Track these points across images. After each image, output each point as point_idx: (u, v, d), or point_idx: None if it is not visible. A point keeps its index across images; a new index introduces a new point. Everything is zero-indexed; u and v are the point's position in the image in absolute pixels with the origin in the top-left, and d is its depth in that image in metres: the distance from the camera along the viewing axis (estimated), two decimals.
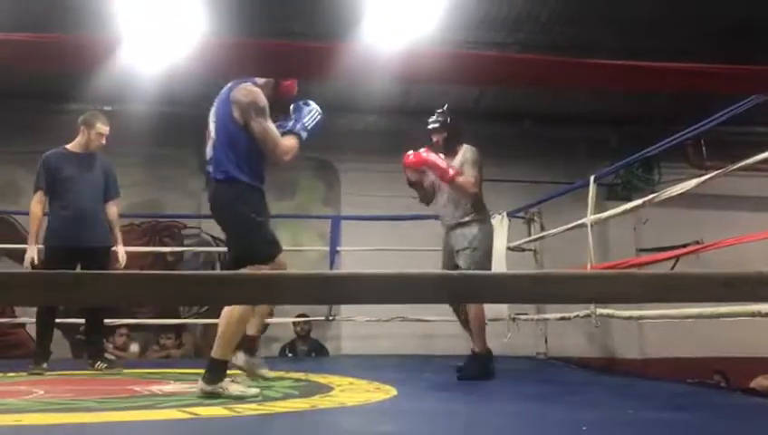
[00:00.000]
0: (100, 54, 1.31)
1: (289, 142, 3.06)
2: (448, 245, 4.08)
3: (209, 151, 3.09)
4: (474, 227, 3.99)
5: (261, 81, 3.10)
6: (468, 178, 3.96)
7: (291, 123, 3.12)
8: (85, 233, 4.28)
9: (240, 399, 2.78)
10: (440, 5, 5.64)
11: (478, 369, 3.85)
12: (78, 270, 4.18)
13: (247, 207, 3.01)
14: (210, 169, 3.07)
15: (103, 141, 4.41)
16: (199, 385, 2.88)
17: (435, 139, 4.07)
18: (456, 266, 3.97)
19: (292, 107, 3.20)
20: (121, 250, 4.50)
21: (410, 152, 4.04)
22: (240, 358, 3.32)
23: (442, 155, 4.00)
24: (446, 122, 4.07)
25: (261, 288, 1.22)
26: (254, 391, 2.93)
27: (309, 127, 3.14)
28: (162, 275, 1.22)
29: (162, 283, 1.16)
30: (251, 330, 3.34)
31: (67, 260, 4.17)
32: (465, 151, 4.07)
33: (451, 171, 3.92)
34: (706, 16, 5.80)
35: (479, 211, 4.07)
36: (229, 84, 3.11)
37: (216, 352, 2.92)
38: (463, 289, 1.21)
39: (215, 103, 3.14)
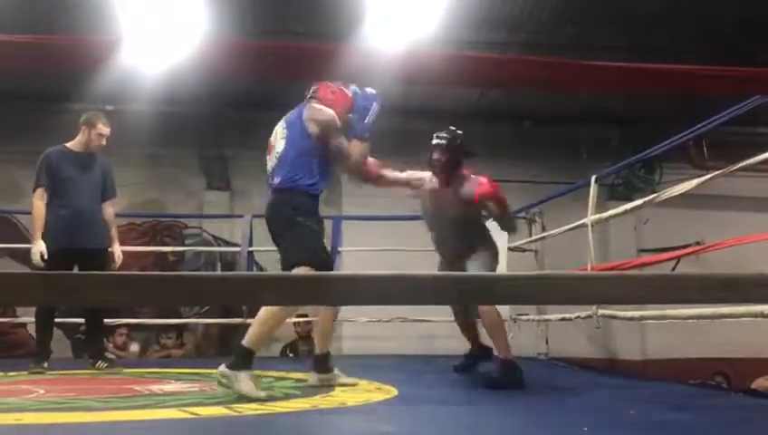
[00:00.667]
0: (102, 55, 1.31)
1: (357, 149, 3.25)
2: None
3: (271, 163, 3.31)
4: (487, 253, 3.79)
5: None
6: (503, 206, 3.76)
7: (354, 124, 3.28)
8: (84, 233, 4.28)
9: (244, 397, 2.78)
10: (441, 5, 5.64)
11: (507, 375, 3.52)
12: (76, 271, 4.19)
13: (303, 213, 3.18)
14: (273, 178, 3.27)
15: (104, 142, 4.41)
16: (221, 368, 2.90)
17: (436, 156, 3.78)
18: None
19: (352, 99, 3.30)
20: (117, 250, 4.49)
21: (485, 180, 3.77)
22: (313, 377, 3.42)
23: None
24: (453, 143, 3.79)
25: (264, 289, 1.22)
26: (263, 394, 2.90)
27: (370, 126, 3.29)
28: (161, 276, 1.22)
29: (161, 283, 1.16)
30: (319, 349, 3.45)
31: (66, 261, 4.17)
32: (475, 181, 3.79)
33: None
34: (708, 15, 5.80)
35: (490, 240, 3.91)
36: (295, 109, 3.35)
37: (246, 339, 2.98)
38: (463, 290, 1.21)
39: (280, 126, 3.35)
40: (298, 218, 3.15)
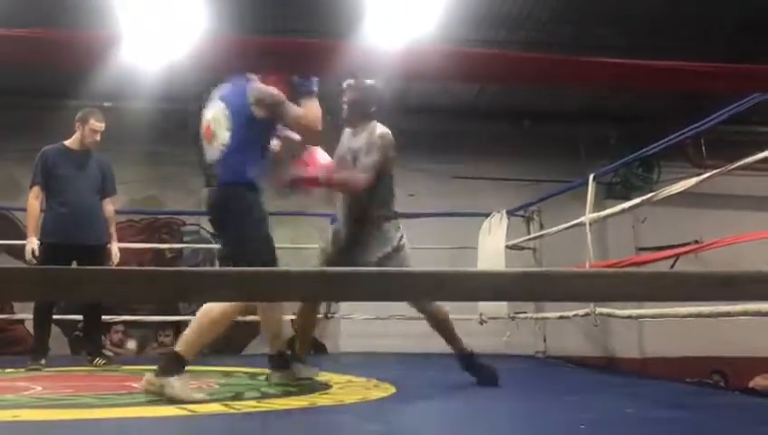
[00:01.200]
0: (100, 51, 1.31)
1: (312, 111, 3.00)
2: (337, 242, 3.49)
3: (213, 152, 3.08)
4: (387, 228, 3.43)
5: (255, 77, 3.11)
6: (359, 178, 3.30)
7: (299, 87, 3.03)
8: (82, 230, 4.29)
9: (181, 402, 2.58)
10: (441, 4, 5.63)
11: (482, 370, 3.48)
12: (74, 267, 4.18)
13: (254, 210, 3.01)
14: (216, 171, 3.04)
15: (97, 137, 4.41)
16: (146, 376, 2.71)
17: (345, 97, 3.44)
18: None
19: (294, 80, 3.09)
20: (115, 247, 4.50)
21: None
22: (273, 376, 3.31)
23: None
24: (362, 85, 3.42)
25: (260, 285, 1.22)
26: (200, 396, 2.73)
27: (314, 81, 3.04)
28: (159, 272, 1.22)
29: (159, 279, 1.16)
30: (271, 346, 3.36)
31: (63, 257, 4.18)
32: (376, 130, 3.38)
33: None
34: (708, 14, 5.80)
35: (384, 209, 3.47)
36: (229, 87, 3.11)
37: (180, 346, 2.77)
38: (461, 287, 1.21)
39: (217, 110, 3.10)
40: (254, 216, 2.98)
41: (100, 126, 4.41)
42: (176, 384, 2.63)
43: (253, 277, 1.25)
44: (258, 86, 3.04)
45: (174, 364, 2.71)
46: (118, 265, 4.51)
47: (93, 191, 4.42)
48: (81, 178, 4.36)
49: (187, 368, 2.75)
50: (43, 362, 4.17)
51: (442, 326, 3.51)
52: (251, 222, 2.97)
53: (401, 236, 3.44)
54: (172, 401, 2.57)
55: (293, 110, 3.01)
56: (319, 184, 3.38)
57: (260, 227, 3.00)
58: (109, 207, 4.51)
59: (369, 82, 3.45)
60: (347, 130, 3.54)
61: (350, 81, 3.44)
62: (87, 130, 4.38)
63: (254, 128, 3.00)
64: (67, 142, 4.43)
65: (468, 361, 3.51)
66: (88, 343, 4.51)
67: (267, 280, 1.23)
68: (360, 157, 3.34)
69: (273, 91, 3.02)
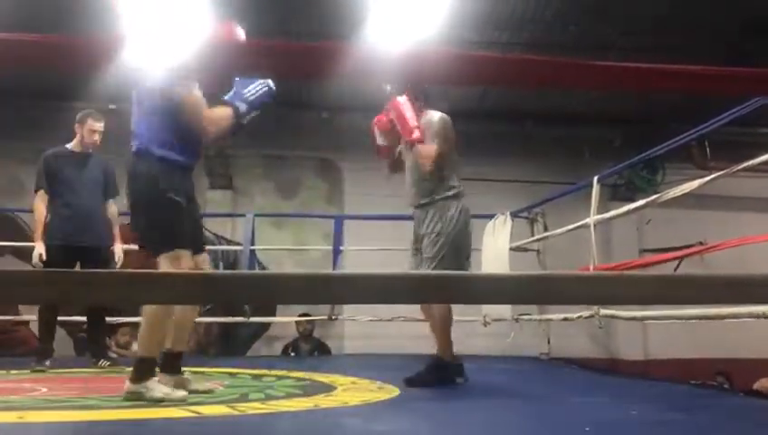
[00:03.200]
0: (105, 54, 1.31)
1: (218, 112, 2.86)
2: (416, 225, 3.57)
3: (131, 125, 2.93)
4: (444, 211, 3.43)
5: None
6: (430, 147, 3.40)
7: (231, 95, 2.92)
8: (85, 232, 4.31)
9: (163, 401, 2.63)
10: (444, 5, 5.64)
11: (433, 375, 3.40)
12: (78, 269, 4.20)
13: (164, 185, 2.79)
14: (131, 141, 2.90)
15: (96, 138, 4.41)
16: (125, 385, 2.73)
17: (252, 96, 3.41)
18: (420, 251, 3.49)
19: (236, 80, 2.96)
20: (119, 249, 4.51)
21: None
22: (164, 380, 2.92)
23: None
24: (404, 85, 3.46)
25: (262, 288, 1.22)
26: (181, 393, 2.74)
27: (250, 99, 2.89)
28: (165, 275, 1.22)
29: (164, 282, 1.16)
30: (173, 345, 3.02)
31: (67, 259, 4.20)
32: (433, 117, 3.50)
33: (416, 132, 3.37)
34: (710, 15, 5.79)
35: (443, 191, 3.46)
36: None
37: (140, 350, 2.80)
38: (464, 289, 1.21)
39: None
40: (167, 195, 2.78)
41: (99, 126, 4.41)
42: (155, 387, 2.69)
43: (256, 281, 1.25)
44: None
45: (142, 369, 2.73)
46: (121, 267, 4.52)
47: (96, 193, 4.43)
48: (82, 180, 4.38)
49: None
50: (47, 363, 4.18)
51: (440, 327, 3.52)
52: (168, 205, 2.78)
53: (451, 219, 3.41)
54: (156, 402, 2.62)
55: (194, 95, 2.85)
56: (412, 137, 3.36)
57: (176, 211, 2.80)
58: (112, 208, 4.52)
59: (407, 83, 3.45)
60: None
61: (390, 87, 3.50)
62: (85, 132, 4.40)
63: (154, 95, 2.87)
64: (69, 145, 4.46)
65: (442, 367, 3.46)
66: (92, 345, 4.52)
67: (267, 283, 1.23)
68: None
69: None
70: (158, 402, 2.63)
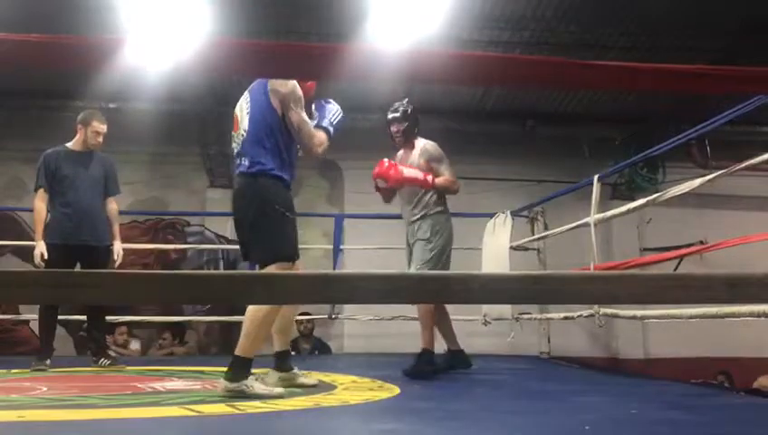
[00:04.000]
0: (105, 53, 1.31)
1: (321, 135, 3.10)
2: (409, 235, 4.12)
3: (235, 144, 3.10)
4: (430, 220, 4.01)
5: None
6: (448, 177, 4.05)
7: (317, 120, 3.15)
8: (85, 231, 4.32)
9: (264, 398, 2.75)
10: (445, 4, 5.63)
11: (425, 365, 3.83)
12: (78, 268, 4.20)
13: (280, 203, 2.97)
14: (240, 160, 3.04)
15: (100, 139, 4.43)
16: (221, 384, 2.82)
17: (395, 129, 4.08)
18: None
19: (314, 105, 3.22)
20: (118, 247, 4.50)
21: (386, 164, 4.01)
22: (272, 376, 3.24)
23: (401, 152, 4.16)
24: (406, 113, 4.06)
25: (265, 288, 1.22)
26: (280, 390, 2.91)
27: (334, 123, 3.18)
28: (165, 275, 1.22)
29: (165, 282, 1.16)
30: (281, 345, 3.30)
31: (67, 258, 4.21)
32: (427, 146, 4.08)
33: (429, 179, 3.98)
34: (709, 15, 5.79)
35: (439, 205, 4.08)
36: (257, 81, 3.13)
37: (239, 350, 2.87)
38: (465, 290, 1.21)
39: (243, 99, 3.14)
40: (279, 209, 2.95)
41: (103, 128, 4.43)
42: (254, 385, 2.82)
43: (257, 280, 1.25)
44: (277, 82, 3.03)
45: (240, 368, 2.83)
46: (121, 265, 4.52)
47: (96, 192, 4.43)
48: (83, 179, 4.38)
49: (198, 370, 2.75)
50: (48, 362, 4.18)
51: (426, 322, 3.96)
52: (264, 210, 2.94)
53: (441, 231, 4.02)
54: (258, 398, 2.73)
55: (306, 119, 3.06)
56: (430, 184, 3.97)
57: (288, 225, 2.98)
58: (112, 206, 4.52)
59: (409, 108, 4.06)
60: (399, 152, 4.22)
61: (395, 114, 4.05)
62: (90, 133, 4.40)
63: (268, 117, 3.00)
64: (69, 144, 4.46)
65: (428, 358, 3.85)
66: (92, 344, 4.53)
67: (267, 283, 1.23)
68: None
69: (291, 82, 3.01)
70: (261, 398, 2.73)
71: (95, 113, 4.53)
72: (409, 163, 4.05)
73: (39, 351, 4.30)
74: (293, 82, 3.01)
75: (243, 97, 3.16)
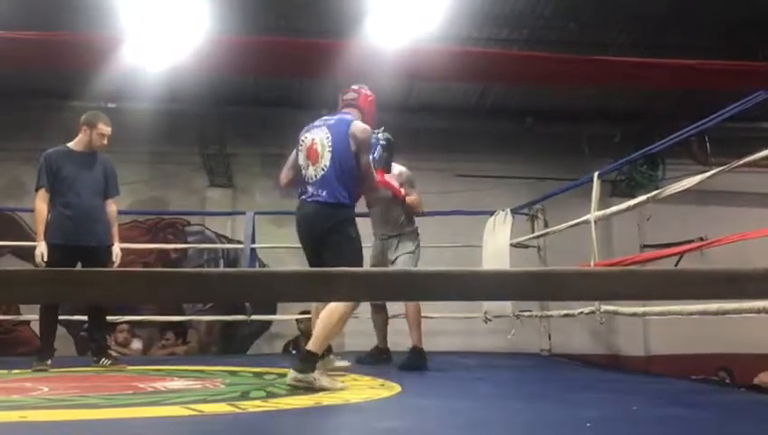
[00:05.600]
0: (105, 52, 1.31)
1: (376, 175, 3.65)
2: (381, 252, 4.56)
3: (314, 173, 3.42)
4: (412, 238, 4.54)
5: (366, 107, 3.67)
6: (416, 198, 4.53)
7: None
8: (86, 231, 4.31)
9: (327, 390, 2.98)
10: (444, 2, 5.63)
11: (419, 360, 4.23)
12: (79, 268, 4.19)
13: (353, 232, 3.42)
14: (318, 190, 3.40)
15: (105, 142, 4.44)
16: (291, 375, 3.05)
17: (386, 154, 4.42)
18: None
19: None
20: (116, 248, 4.50)
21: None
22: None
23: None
24: (389, 142, 4.35)
25: (263, 286, 1.22)
26: (341, 385, 3.13)
27: (377, 159, 3.92)
28: (165, 273, 1.22)
29: (165, 281, 1.16)
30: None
31: (67, 258, 4.21)
32: (403, 172, 4.55)
33: (402, 191, 4.44)
34: (709, 12, 5.79)
35: (411, 224, 4.59)
36: (338, 116, 3.56)
37: (312, 346, 3.11)
38: (465, 286, 1.21)
39: (323, 133, 3.46)
40: (353, 235, 3.40)
41: (108, 130, 4.42)
42: (322, 377, 3.06)
43: (256, 279, 1.25)
44: (360, 124, 3.49)
45: (310, 362, 3.08)
46: (120, 266, 4.52)
47: (97, 192, 4.43)
48: (84, 179, 4.38)
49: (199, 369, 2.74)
50: (49, 362, 4.18)
51: (382, 321, 4.74)
52: (343, 236, 3.38)
53: (418, 244, 4.57)
54: (322, 390, 2.98)
55: (370, 160, 3.55)
56: (402, 197, 4.43)
57: (353, 243, 3.40)
58: (111, 207, 4.53)
59: (387, 140, 4.30)
60: None
61: (386, 142, 4.29)
62: (95, 135, 4.40)
63: (351, 159, 3.40)
64: (70, 144, 4.45)
65: (422, 353, 4.29)
66: (93, 344, 4.53)
67: (267, 281, 1.23)
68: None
69: (369, 132, 3.52)
70: (324, 391, 2.97)
71: (100, 115, 4.51)
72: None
73: (40, 351, 4.31)
74: (369, 130, 3.50)
75: (319, 129, 3.49)
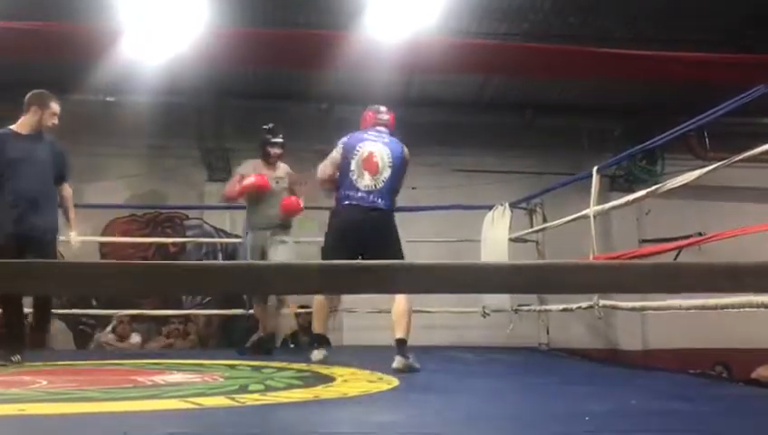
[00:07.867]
0: (103, 44, 1.31)
1: None
2: (259, 242, 4.87)
3: (373, 183, 3.87)
4: (289, 229, 5.03)
5: None
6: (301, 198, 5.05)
7: None
8: (31, 219, 3.98)
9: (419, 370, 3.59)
10: None
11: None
12: (28, 259, 3.91)
13: (398, 233, 3.97)
14: (377, 198, 3.87)
15: (56, 121, 4.11)
16: (400, 361, 3.57)
17: (275, 151, 4.98)
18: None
19: None
20: (75, 235, 4.24)
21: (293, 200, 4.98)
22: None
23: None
24: (284, 143, 4.97)
25: (257, 278, 1.22)
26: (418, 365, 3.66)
27: None
28: (171, 267, 1.21)
29: (161, 272, 1.15)
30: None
31: (13, 248, 3.89)
32: (289, 169, 5.05)
33: (301, 203, 5.03)
34: (710, 6, 5.78)
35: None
36: (388, 135, 4.00)
37: (406, 335, 3.71)
38: (465, 279, 1.21)
39: (383, 148, 3.92)
40: (399, 237, 3.95)
41: (59, 109, 4.12)
42: (412, 358, 3.62)
43: (253, 272, 1.25)
44: (406, 148, 4.02)
45: (406, 346, 3.68)
46: (119, 258, 4.45)
47: (45, 177, 4.08)
48: (31, 163, 4.03)
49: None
50: (16, 358, 3.87)
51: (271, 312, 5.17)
52: (398, 239, 3.95)
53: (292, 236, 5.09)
54: (413, 369, 3.56)
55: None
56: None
57: (400, 243, 3.95)
58: (67, 190, 4.23)
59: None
60: (260, 165, 5.08)
61: (281, 140, 4.97)
62: (47, 115, 4.07)
63: (399, 175, 3.96)
64: (14, 126, 4.13)
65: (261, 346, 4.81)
66: (11, 340, 4.04)
67: (263, 274, 1.23)
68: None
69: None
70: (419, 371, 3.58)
71: (49, 94, 4.19)
72: (276, 177, 4.94)
73: (2, 346, 3.97)
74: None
75: (375, 144, 3.93)
